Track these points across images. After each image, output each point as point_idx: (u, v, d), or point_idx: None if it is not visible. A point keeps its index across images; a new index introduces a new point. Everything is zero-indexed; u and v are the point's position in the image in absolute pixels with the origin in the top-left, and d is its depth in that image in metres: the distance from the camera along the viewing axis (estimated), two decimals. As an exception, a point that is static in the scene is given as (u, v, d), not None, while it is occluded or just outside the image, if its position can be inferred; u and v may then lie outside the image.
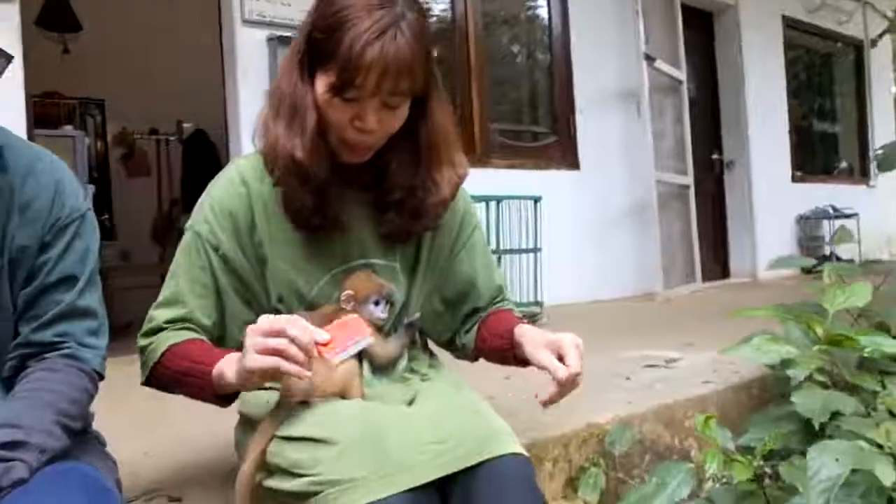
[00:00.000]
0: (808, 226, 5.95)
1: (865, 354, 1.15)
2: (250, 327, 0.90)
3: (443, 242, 1.16)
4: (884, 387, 1.35)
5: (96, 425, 0.97)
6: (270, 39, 3.17)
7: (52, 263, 0.84)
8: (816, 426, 1.08)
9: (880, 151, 2.28)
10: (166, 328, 1.03)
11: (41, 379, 0.80)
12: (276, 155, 1.02)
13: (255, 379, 0.90)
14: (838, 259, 5.55)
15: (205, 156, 5.65)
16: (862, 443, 0.93)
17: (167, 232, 4.89)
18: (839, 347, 1.14)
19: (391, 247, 1.10)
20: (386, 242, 1.10)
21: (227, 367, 0.95)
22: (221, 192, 1.07)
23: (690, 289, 4.62)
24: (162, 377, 1.01)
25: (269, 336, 0.86)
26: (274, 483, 0.93)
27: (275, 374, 0.88)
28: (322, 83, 0.98)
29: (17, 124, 2.46)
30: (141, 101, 5.16)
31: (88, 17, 4.85)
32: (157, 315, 1.04)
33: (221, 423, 1.26)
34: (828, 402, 1.12)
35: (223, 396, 0.99)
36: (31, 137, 2.74)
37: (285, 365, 0.85)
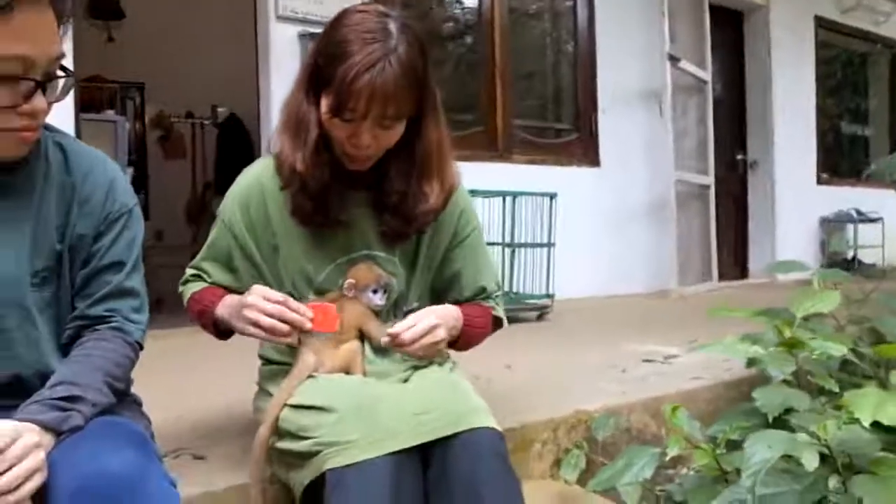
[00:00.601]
0: (831, 229, 5.93)
1: (814, 357, 1.26)
2: (256, 288, 1.12)
3: (441, 240, 1.29)
4: (858, 386, 1.45)
5: (133, 390, 1.13)
6: (302, 35, 3.31)
7: (105, 250, 0.99)
8: (770, 419, 1.20)
9: (889, 158, 2.32)
10: (191, 280, 1.29)
11: (94, 347, 0.95)
12: (281, 163, 1.19)
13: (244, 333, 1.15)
14: (860, 263, 5.54)
15: (238, 140, 5.83)
16: (801, 434, 1.04)
17: (200, 213, 5.07)
18: (797, 349, 1.25)
19: (392, 242, 1.25)
20: (385, 238, 1.24)
21: (220, 310, 1.19)
22: (242, 187, 1.26)
23: (706, 287, 4.67)
24: (191, 314, 1.29)
25: (268, 301, 1.09)
26: (283, 444, 1.09)
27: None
28: (324, 104, 1.14)
29: (66, 110, 2.64)
30: (178, 86, 5.36)
31: (131, 4, 5.06)
32: (188, 271, 1.31)
33: (242, 394, 1.42)
34: (786, 399, 1.23)
35: (224, 331, 1.24)
36: (77, 122, 2.94)
37: (265, 336, 1.09)
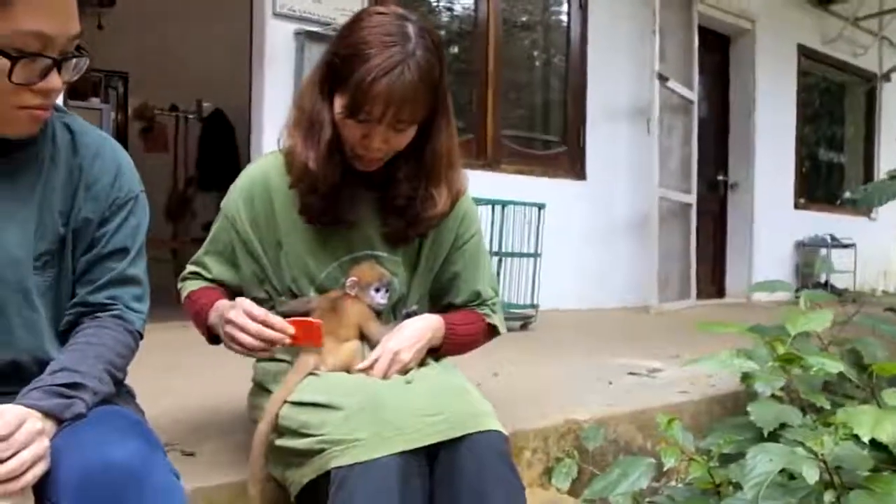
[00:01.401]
0: (806, 252, 6.05)
1: (812, 373, 1.28)
2: (239, 302, 1.10)
3: (442, 244, 1.29)
4: (841, 405, 1.48)
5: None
6: (298, 33, 3.29)
7: (109, 236, 0.97)
8: (765, 434, 1.21)
9: (863, 188, 2.40)
10: (189, 279, 1.28)
11: (94, 334, 0.92)
12: (293, 160, 1.18)
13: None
14: (832, 287, 5.66)
15: (222, 136, 5.77)
16: (799, 449, 1.05)
17: (181, 209, 5.00)
18: (791, 365, 1.27)
19: (394, 244, 1.24)
20: (389, 239, 1.24)
21: (214, 317, 1.17)
22: (247, 181, 1.24)
23: (684, 305, 4.74)
24: (188, 312, 1.27)
25: (250, 318, 1.08)
26: (283, 442, 1.07)
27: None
28: (338, 103, 1.13)
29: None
30: (163, 78, 5.29)
31: (120, -9, 4.99)
32: (188, 267, 1.30)
33: (235, 390, 1.40)
34: (779, 414, 1.25)
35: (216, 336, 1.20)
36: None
37: (243, 352, 1.10)
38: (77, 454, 0.75)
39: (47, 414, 0.79)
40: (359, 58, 1.08)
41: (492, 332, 1.35)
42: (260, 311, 1.08)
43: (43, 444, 0.75)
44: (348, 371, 1.14)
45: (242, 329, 1.07)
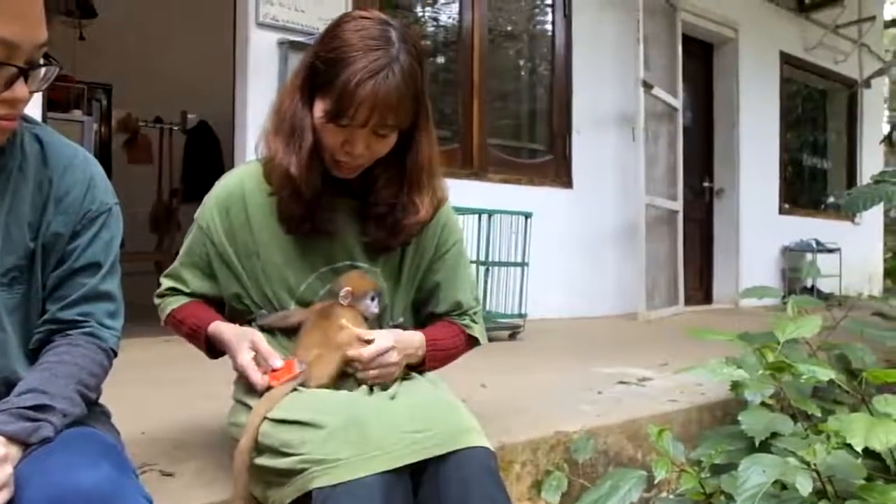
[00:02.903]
0: (792, 257, 6.09)
1: (802, 381, 1.26)
2: (252, 337, 1.14)
3: (424, 253, 1.27)
4: (833, 413, 1.46)
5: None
6: (282, 43, 3.27)
7: (81, 250, 0.94)
8: (757, 444, 1.19)
9: (847, 193, 2.40)
10: (168, 294, 1.26)
11: (65, 353, 0.89)
12: (274, 168, 1.15)
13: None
14: (818, 292, 5.69)
15: (207, 148, 5.72)
16: (791, 459, 1.03)
17: (165, 221, 4.95)
18: (781, 373, 1.25)
19: (375, 254, 1.22)
20: (369, 249, 1.21)
21: (214, 336, 1.18)
22: (222, 191, 1.22)
23: (672, 311, 4.74)
24: (172, 329, 1.26)
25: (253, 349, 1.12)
26: (263, 461, 1.03)
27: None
28: (319, 108, 1.10)
29: (34, 107, 2.55)
30: (147, 89, 5.23)
31: (103, 3, 4.95)
32: (164, 282, 1.27)
33: (216, 407, 1.36)
34: (770, 423, 1.24)
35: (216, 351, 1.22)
36: (44, 120, 2.84)
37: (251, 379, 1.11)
38: (43, 480, 0.72)
39: (12, 438, 0.76)
40: (343, 61, 1.06)
41: (472, 342, 1.33)
42: (258, 351, 1.13)
43: (6, 471, 0.72)
44: (332, 384, 1.11)
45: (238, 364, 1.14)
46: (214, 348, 1.21)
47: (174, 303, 1.25)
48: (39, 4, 0.82)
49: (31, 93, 0.86)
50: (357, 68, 1.04)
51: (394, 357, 1.12)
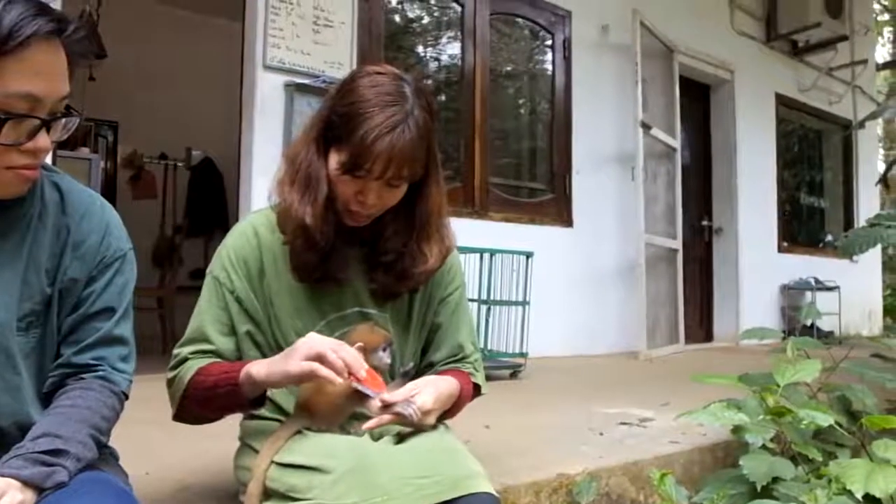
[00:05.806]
0: (791, 296, 6.10)
1: (802, 426, 1.27)
2: (312, 336, 1.06)
3: (433, 299, 1.29)
4: (833, 456, 1.47)
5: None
6: (288, 85, 3.34)
7: (96, 295, 0.96)
8: (759, 488, 1.20)
9: (844, 235, 2.44)
10: (191, 358, 1.15)
11: (79, 397, 0.91)
12: (288, 218, 1.16)
13: (291, 379, 1.06)
14: (818, 330, 5.69)
15: (211, 184, 5.79)
16: (793, 504, 1.04)
17: (169, 256, 4.97)
18: (781, 418, 1.26)
19: (383, 300, 1.24)
20: (377, 295, 1.23)
21: (255, 367, 1.08)
22: (236, 241, 1.22)
23: (673, 350, 4.73)
24: (192, 400, 1.13)
25: (327, 348, 1.03)
26: (271, 505, 1.04)
27: (308, 378, 1.05)
28: (334, 160, 1.13)
29: (42, 148, 2.60)
30: (153, 126, 5.33)
31: (111, 42, 5.06)
32: (183, 350, 1.17)
33: (222, 448, 1.36)
34: (772, 467, 1.24)
35: (253, 400, 1.12)
36: (54, 160, 2.89)
37: (322, 370, 1.01)
38: (58, 526, 0.73)
39: (27, 483, 0.77)
40: (359, 116, 1.09)
41: (477, 390, 1.33)
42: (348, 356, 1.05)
43: (22, 516, 0.73)
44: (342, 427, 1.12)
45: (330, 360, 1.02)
46: (245, 392, 1.10)
47: (200, 362, 1.14)
48: (63, 61, 0.86)
49: (53, 142, 0.89)
50: (374, 123, 1.08)
51: (432, 419, 1.12)
